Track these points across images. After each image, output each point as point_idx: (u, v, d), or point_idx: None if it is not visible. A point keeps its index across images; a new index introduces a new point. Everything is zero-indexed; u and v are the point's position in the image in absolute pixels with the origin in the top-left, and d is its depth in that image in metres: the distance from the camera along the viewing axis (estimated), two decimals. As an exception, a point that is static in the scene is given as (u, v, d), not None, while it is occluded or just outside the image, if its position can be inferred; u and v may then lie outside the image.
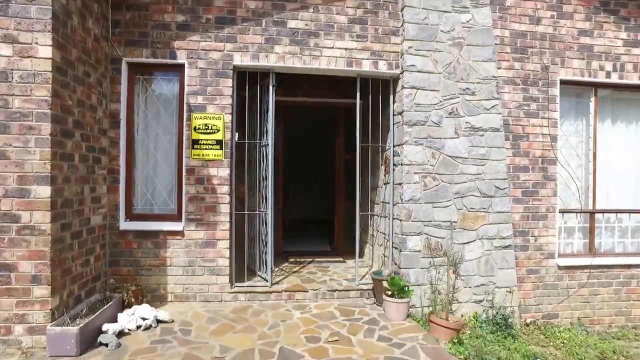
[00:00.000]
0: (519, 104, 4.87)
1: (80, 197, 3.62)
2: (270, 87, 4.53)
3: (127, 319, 3.63)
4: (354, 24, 4.58)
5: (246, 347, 3.32)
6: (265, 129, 4.68)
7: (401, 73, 4.59)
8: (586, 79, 5.03)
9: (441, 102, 4.54)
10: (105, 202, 4.16)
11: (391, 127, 4.85)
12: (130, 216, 4.36)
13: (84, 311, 3.48)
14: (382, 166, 5.23)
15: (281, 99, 5.44)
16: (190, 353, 3.19)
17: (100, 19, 3.99)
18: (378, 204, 5.44)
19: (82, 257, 3.65)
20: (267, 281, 4.64)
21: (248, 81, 4.63)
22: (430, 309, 4.29)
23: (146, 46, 4.31)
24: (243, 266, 4.88)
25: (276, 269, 5.30)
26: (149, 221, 4.36)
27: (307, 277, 5.07)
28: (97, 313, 3.42)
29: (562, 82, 5.00)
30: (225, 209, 4.37)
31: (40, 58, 3.09)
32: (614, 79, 5.07)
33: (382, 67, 4.61)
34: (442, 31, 4.59)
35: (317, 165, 9.78)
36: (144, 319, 3.69)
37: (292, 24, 4.47)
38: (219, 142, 4.32)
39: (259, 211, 4.83)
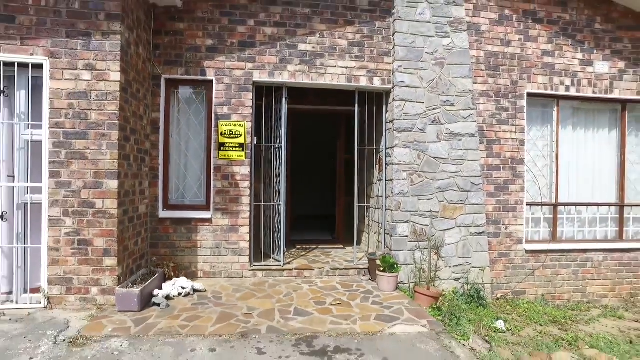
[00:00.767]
0: (492, 113, 5.78)
1: (133, 190, 4.51)
2: (284, 100, 5.44)
3: (170, 287, 4.53)
4: (353, 46, 5.49)
5: (267, 307, 4.23)
6: (278, 133, 5.59)
7: (392, 88, 5.51)
8: (549, 92, 5.95)
9: (426, 112, 5.45)
10: (148, 194, 5.05)
11: (384, 133, 5.77)
12: (167, 206, 5.25)
13: (138, 280, 4.38)
14: (377, 165, 6.14)
15: (289, 106, 6.33)
16: (225, 311, 4.09)
17: (146, 44, 4.89)
18: (373, 197, 6.35)
19: (134, 238, 4.55)
20: (279, 262, 5.55)
21: (264, 93, 5.53)
22: (416, 283, 5.20)
23: (181, 65, 5.20)
24: (259, 249, 5.79)
25: (286, 253, 6.19)
26: (182, 210, 5.26)
27: (312, 259, 5.99)
28: (149, 282, 4.31)
29: (529, 94, 5.92)
30: (246, 200, 5.28)
31: (111, 81, 3.98)
32: (572, 92, 5.99)
33: (377, 83, 5.53)
34: (426, 53, 5.50)
35: (319, 165, 10.72)
36: (183, 288, 4.59)
37: (302, 46, 5.38)
38: (241, 145, 5.22)
39: (274, 202, 5.74)
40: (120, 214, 4.10)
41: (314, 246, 6.96)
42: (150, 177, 5.11)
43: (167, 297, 4.36)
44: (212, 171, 5.23)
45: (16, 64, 3.90)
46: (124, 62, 4.09)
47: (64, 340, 3.24)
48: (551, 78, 5.94)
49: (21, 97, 4.02)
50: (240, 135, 5.21)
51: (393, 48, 5.51)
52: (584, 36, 6.01)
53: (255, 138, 5.47)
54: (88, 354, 3.05)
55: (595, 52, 6.03)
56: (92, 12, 3.96)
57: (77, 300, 3.98)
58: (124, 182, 4.20)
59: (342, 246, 7.02)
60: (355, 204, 5.94)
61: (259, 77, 5.29)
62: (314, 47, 5.40)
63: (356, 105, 5.71)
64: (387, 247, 5.56)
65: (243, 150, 5.23)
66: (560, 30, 5.97)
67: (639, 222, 6.36)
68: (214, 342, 3.33)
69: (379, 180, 6.03)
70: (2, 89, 3.93)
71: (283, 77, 5.33)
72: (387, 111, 5.73)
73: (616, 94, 6.09)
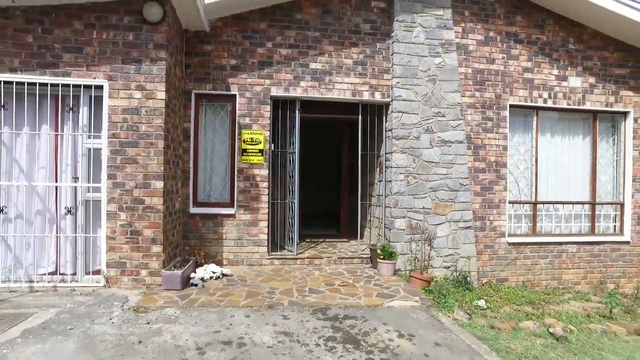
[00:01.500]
0: (478, 123, 6.62)
1: (172, 189, 5.35)
2: (297, 111, 6.28)
3: (203, 272, 5.36)
4: (357, 65, 6.33)
5: (286, 287, 5.06)
6: (292, 140, 6.43)
7: (391, 101, 6.35)
8: (529, 104, 6.78)
9: (420, 122, 6.29)
10: (181, 193, 5.89)
11: (384, 140, 6.60)
12: (197, 203, 6.09)
13: (177, 265, 5.21)
14: (377, 168, 6.98)
15: (300, 115, 7.17)
16: (251, 290, 4.92)
17: (180, 64, 5.73)
18: (374, 196, 7.19)
19: (172, 230, 5.39)
20: (293, 252, 6.39)
21: (280, 105, 6.37)
22: (411, 270, 6.03)
23: (209, 82, 6.04)
24: (274, 241, 6.63)
25: (297, 245, 7.02)
26: (209, 207, 6.10)
27: (321, 250, 6.83)
28: (186, 267, 5.15)
29: (511, 106, 6.75)
30: (265, 198, 6.12)
31: (157, 99, 4.82)
32: (550, 104, 6.83)
33: (377, 97, 6.37)
34: (421, 70, 6.34)
35: (325, 167, 11.58)
36: (214, 272, 5.42)
37: (312, 65, 6.22)
38: (261, 151, 6.06)
39: (288, 200, 6.58)
40: (164, 210, 4.94)
41: (322, 240, 7.80)
42: (182, 178, 5.94)
43: (202, 279, 5.19)
44: (236, 173, 6.07)
45: (82, 86, 4.74)
46: (167, 83, 4.93)
47: (129, 309, 4.08)
48: (531, 91, 6.77)
49: (84, 112, 4.85)
50: (260, 142, 6.05)
51: (392, 66, 6.34)
52: (559, 55, 6.85)
53: (272, 144, 6.30)
54: (151, 317, 3.89)
55: (569, 68, 6.87)
56: (143, 42, 4.80)
57: (130, 281, 4.82)
58: (167, 183, 5.04)
59: (346, 240, 7.87)
60: (359, 202, 6.79)
61: (276, 92, 6.13)
62: (323, 66, 6.24)
63: (359, 116, 6.55)
64: (387, 239, 6.39)
65: (262, 155, 6.07)
66: (539, 49, 6.80)
67: (608, 219, 7.19)
68: (247, 311, 4.17)
69: (379, 181, 6.87)
70: (71, 106, 4.78)
71: (297, 92, 6.17)
72: (386, 121, 6.56)
73: (588, 106, 6.93)
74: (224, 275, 5.51)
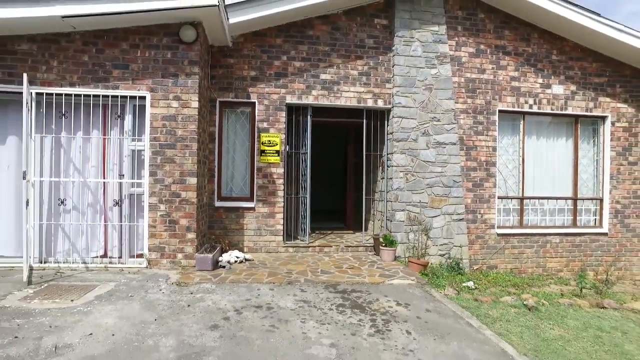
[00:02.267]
0: (470, 126, 7.41)
1: (201, 185, 6.19)
2: (309, 117, 7.11)
3: (229, 256, 6.19)
4: (362, 75, 7.14)
5: (301, 269, 5.88)
6: (304, 142, 7.26)
7: (392, 107, 7.15)
8: (516, 109, 7.57)
9: (418, 126, 7.10)
10: (207, 188, 6.72)
11: (385, 142, 7.41)
12: (220, 198, 6.92)
13: (207, 250, 6.04)
14: (380, 167, 7.78)
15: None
16: (271, 271, 5.74)
17: (207, 76, 6.56)
18: (377, 192, 7.99)
19: (201, 220, 6.22)
20: (305, 241, 7.22)
21: (294, 111, 7.19)
22: (409, 257, 6.84)
23: (231, 91, 6.87)
24: (289, 232, 7.45)
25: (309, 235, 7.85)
26: (232, 201, 6.93)
27: (329, 240, 7.65)
28: (215, 252, 5.97)
29: (500, 111, 7.54)
30: (280, 193, 6.94)
31: (192, 108, 5.66)
32: (535, 109, 7.61)
33: (380, 104, 7.18)
34: (418, 80, 7.14)
35: (333, 167, 12.41)
36: (237, 257, 6.25)
37: (323, 76, 7.04)
38: (277, 152, 6.89)
39: (301, 195, 7.40)
40: (197, 202, 5.77)
41: (330, 232, 8.63)
42: (208, 175, 6.78)
43: (228, 262, 6.02)
44: (255, 171, 6.90)
45: (128, 96, 5.59)
46: (199, 94, 5.77)
47: (172, 283, 4.91)
48: (518, 98, 7.56)
49: (129, 119, 5.70)
50: (277, 144, 6.87)
51: (393, 77, 7.15)
52: (543, 65, 7.63)
53: (287, 146, 7.13)
54: (192, 289, 4.72)
55: (552, 77, 7.65)
56: (179, 59, 5.64)
57: (168, 263, 5.66)
58: (199, 179, 5.87)
59: (352, 232, 8.69)
60: (364, 197, 7.61)
61: (290, 99, 6.96)
62: (332, 77, 7.06)
63: (364, 120, 7.36)
64: (388, 230, 7.20)
65: (278, 155, 6.90)
66: (525, 60, 7.59)
67: (589, 212, 7.97)
68: (270, 286, 5.00)
69: (381, 179, 7.68)
70: (118, 114, 5.63)
71: (308, 100, 6.99)
72: (388, 125, 7.37)
73: (570, 111, 7.71)
74: (246, 259, 6.34)
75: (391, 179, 7.11)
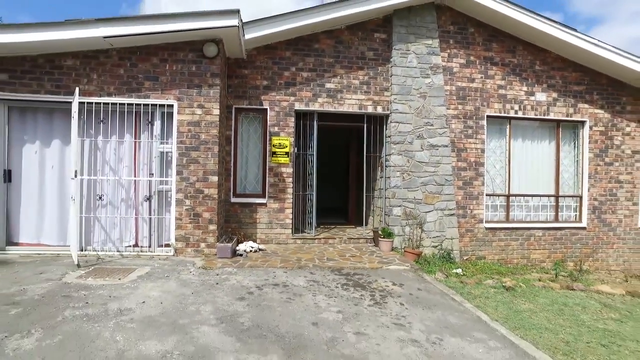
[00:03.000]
0: (461, 130, 8.18)
1: (221, 182, 6.95)
2: (315, 122, 7.89)
3: (244, 246, 6.97)
4: (363, 84, 7.92)
5: (309, 257, 6.66)
6: (311, 144, 8.04)
7: (390, 113, 7.93)
8: (503, 114, 8.35)
9: (413, 130, 7.88)
10: (224, 186, 7.50)
11: (384, 144, 8.19)
12: (236, 195, 7.71)
13: (225, 241, 6.82)
14: (379, 167, 8.57)
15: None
16: (283, 258, 6.52)
17: (225, 85, 7.34)
18: (376, 190, 8.77)
19: (220, 214, 7.00)
20: (311, 234, 8.00)
21: (302, 116, 7.97)
22: (405, 247, 7.61)
23: (246, 98, 7.65)
24: (297, 227, 8.23)
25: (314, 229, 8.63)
26: (246, 198, 7.71)
27: (333, 233, 8.43)
28: (232, 242, 6.75)
29: (488, 116, 8.32)
30: (290, 191, 7.72)
31: (214, 115, 6.44)
32: (520, 114, 8.39)
33: (379, 110, 7.96)
34: (414, 89, 7.92)
35: (336, 167, 13.19)
36: (252, 247, 7.02)
37: (327, 85, 7.82)
38: (287, 153, 7.67)
39: (308, 193, 8.19)
40: (218, 197, 6.56)
41: (333, 226, 9.41)
42: (225, 174, 7.55)
43: (245, 251, 6.80)
44: (267, 171, 7.68)
45: (157, 105, 6.38)
46: (219, 103, 6.55)
47: (199, 267, 5.69)
48: (504, 104, 8.34)
49: (158, 124, 6.48)
50: (286, 147, 7.66)
51: (391, 85, 7.93)
52: (527, 74, 8.41)
53: (296, 148, 7.91)
54: (217, 272, 5.50)
55: (536, 85, 8.43)
56: (203, 72, 6.42)
57: (192, 251, 6.44)
58: (219, 178, 6.66)
59: (353, 226, 9.47)
60: (364, 195, 8.39)
61: (299, 106, 7.74)
62: (336, 85, 7.84)
63: (365, 125, 8.15)
64: (386, 224, 7.98)
65: (288, 156, 7.68)
66: (511, 70, 8.37)
67: (569, 209, 8.75)
68: (284, 270, 5.78)
69: (380, 177, 8.46)
70: (149, 120, 6.42)
71: (315, 107, 7.77)
72: (386, 129, 8.15)
73: (552, 116, 8.49)
74: (259, 249, 7.12)
75: (389, 177, 7.89)
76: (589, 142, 8.60)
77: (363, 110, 7.93)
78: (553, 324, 4.50)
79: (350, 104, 7.89)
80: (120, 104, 6.29)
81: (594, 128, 8.62)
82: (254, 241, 7.56)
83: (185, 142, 6.41)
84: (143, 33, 5.87)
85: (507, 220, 8.49)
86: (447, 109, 8.08)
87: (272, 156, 7.67)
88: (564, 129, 8.72)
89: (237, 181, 7.74)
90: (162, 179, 6.49)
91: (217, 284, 4.94)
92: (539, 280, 6.66)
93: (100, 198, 6.40)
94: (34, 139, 6.41)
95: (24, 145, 6.38)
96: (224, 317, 3.86)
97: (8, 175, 6.29)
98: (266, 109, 7.69)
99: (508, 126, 8.49)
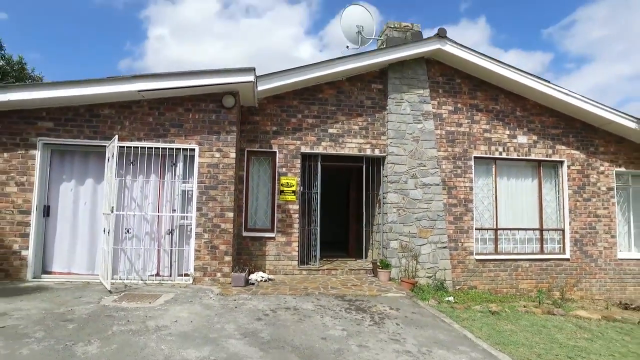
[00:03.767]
0: (450, 170, 9.03)
1: (235, 218, 7.71)
2: (319, 163, 8.75)
3: (255, 276, 7.65)
4: (362, 129, 8.84)
5: (314, 286, 7.33)
6: (315, 183, 8.86)
7: (386, 155, 8.81)
8: (489, 155, 9.23)
9: (407, 170, 8.73)
10: (236, 221, 8.25)
11: (381, 183, 9.02)
12: (247, 229, 8.45)
13: (238, 271, 7.50)
14: (377, 204, 9.36)
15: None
16: (291, 287, 7.19)
17: (239, 131, 8.23)
18: (375, 225, 9.53)
19: (234, 247, 7.72)
20: (315, 265, 8.69)
21: (307, 158, 8.83)
22: (401, 278, 8.28)
23: (257, 142, 8.53)
24: (302, 259, 8.93)
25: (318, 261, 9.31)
26: (256, 232, 8.45)
27: (335, 265, 9.11)
28: (245, 272, 7.44)
29: (475, 157, 9.20)
30: (296, 226, 8.48)
31: (230, 158, 7.29)
32: (504, 155, 9.27)
33: (377, 152, 8.84)
34: (407, 133, 8.83)
35: (337, 204, 13.99)
36: (262, 277, 7.70)
37: (330, 130, 8.73)
38: (294, 192, 8.48)
39: (312, 227, 8.93)
40: (233, 232, 7.30)
41: (335, 259, 10.10)
42: (237, 211, 8.32)
43: (256, 280, 7.48)
44: (276, 207, 8.46)
45: (181, 149, 7.23)
46: (235, 147, 7.41)
47: (217, 294, 6.37)
48: (489, 146, 9.23)
49: (180, 166, 7.32)
50: (293, 186, 8.47)
51: (387, 130, 8.85)
52: (509, 119, 9.36)
53: (301, 187, 8.73)
54: (234, 298, 6.18)
55: (517, 129, 9.36)
56: (222, 120, 7.32)
57: (209, 280, 7.12)
58: (234, 214, 7.43)
59: (354, 259, 10.16)
60: (364, 229, 9.15)
61: (304, 149, 8.61)
62: (337, 131, 8.75)
63: (364, 165, 9.02)
64: (384, 256, 8.69)
65: (295, 194, 8.48)
66: (494, 116, 9.32)
67: (553, 241, 9.48)
68: (293, 296, 6.46)
69: (378, 213, 9.23)
70: (173, 162, 7.26)
71: (319, 150, 8.65)
72: (383, 169, 9.00)
73: (533, 156, 9.38)
74: (269, 279, 7.80)
75: (386, 213, 8.66)
76: (568, 180, 9.45)
77: (362, 153, 8.81)
78: (530, 341, 5.17)
79: (350, 147, 8.77)
80: (148, 147, 7.14)
81: (572, 167, 9.50)
82: (264, 271, 8.23)
83: (205, 181, 7.23)
84: (172, 87, 6.82)
85: (496, 252, 9.20)
86: (438, 151, 8.96)
87: (280, 194, 8.47)
88: (544, 168, 9.59)
89: (248, 217, 8.50)
90: (183, 214, 7.26)
91: (235, 307, 5.63)
92: (524, 306, 7.32)
93: (127, 231, 7.15)
94: (70, 178, 7.22)
95: (61, 184, 7.18)
96: (246, 332, 4.54)
97: (47, 211, 7.05)
98: (275, 151, 8.55)
99: (494, 166, 9.35)
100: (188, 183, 7.34)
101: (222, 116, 7.35)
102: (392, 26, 9.58)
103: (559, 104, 9.19)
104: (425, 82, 9.03)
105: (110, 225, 6.48)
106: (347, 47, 10.08)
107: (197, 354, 3.82)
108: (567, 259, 9.33)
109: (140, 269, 7.18)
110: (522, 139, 9.38)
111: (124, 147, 7.05)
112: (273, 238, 8.43)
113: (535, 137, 9.43)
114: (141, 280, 7.06)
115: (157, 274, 7.24)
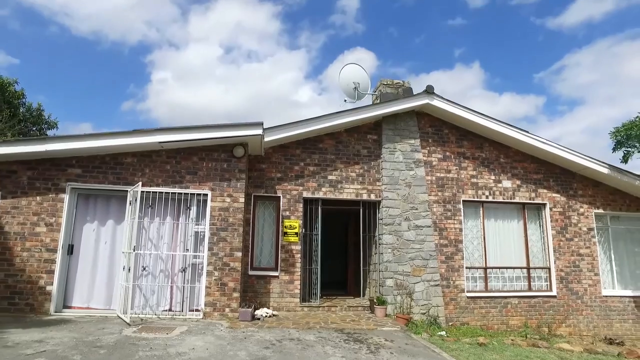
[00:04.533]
0: (441, 213, 9.77)
1: (242, 257, 8.36)
2: (319, 207, 9.51)
3: (261, 312, 8.20)
4: (359, 176, 9.66)
5: (316, 321, 7.87)
6: (316, 225, 9.57)
7: (382, 200, 9.58)
8: (476, 199, 10.00)
9: (401, 213, 9.47)
10: (243, 260, 8.89)
11: (377, 225, 9.73)
12: (252, 268, 9.07)
13: (244, 306, 8.06)
14: (373, 244, 10.03)
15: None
16: (294, 321, 7.74)
17: (246, 177, 9.04)
18: (372, 264, 10.15)
19: (240, 284, 8.32)
20: (316, 302, 9.24)
21: (308, 202, 9.59)
22: (396, 314, 8.82)
23: (262, 187, 9.32)
24: (304, 297, 9.49)
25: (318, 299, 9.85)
26: (261, 271, 9.07)
27: (335, 302, 9.66)
28: (251, 308, 8.00)
29: (464, 201, 9.96)
30: (298, 265, 9.11)
31: (239, 202, 8.05)
32: (490, 199, 10.04)
33: (372, 197, 9.62)
34: (401, 179, 9.65)
35: (336, 245, 14.61)
36: (267, 312, 8.25)
37: (329, 177, 9.54)
38: (297, 233, 9.17)
39: (313, 267, 9.56)
40: (241, 270, 7.94)
41: (334, 297, 10.63)
42: (244, 251, 8.97)
43: (262, 315, 8.03)
44: (279, 248, 9.13)
45: (195, 194, 8.01)
46: (244, 193, 8.19)
47: (227, 327, 6.93)
48: (477, 191, 10.02)
49: (194, 209, 8.06)
50: (296, 228, 9.18)
51: (381, 177, 9.67)
52: (494, 166, 10.21)
53: (303, 229, 9.43)
54: (242, 331, 6.74)
55: (502, 175, 10.20)
56: (232, 168, 8.15)
57: (218, 315, 7.68)
58: (242, 253, 8.09)
59: (352, 296, 10.70)
60: (361, 268, 9.77)
61: (306, 194, 9.40)
62: (336, 177, 9.56)
63: (361, 209, 9.77)
64: (380, 293, 9.27)
65: (297, 236, 9.18)
66: (480, 162, 10.18)
67: (540, 279, 10.08)
68: (296, 330, 7.02)
69: (374, 254, 9.89)
70: (187, 206, 8.02)
71: (319, 194, 9.44)
72: (378, 212, 9.74)
73: (517, 200, 10.15)
74: (273, 315, 8.35)
75: (382, 253, 9.32)
76: (551, 221, 10.18)
77: (359, 197, 9.59)
78: (510, 367, 5.73)
79: (348, 192, 9.56)
80: (165, 192, 7.92)
81: (554, 209, 10.25)
82: (268, 308, 8.78)
83: (216, 224, 7.95)
84: (190, 139, 7.69)
85: (486, 289, 9.77)
86: (429, 195, 9.74)
87: (284, 236, 9.16)
88: (529, 210, 10.34)
89: (254, 256, 9.15)
90: (195, 253, 7.93)
91: (245, 338, 6.20)
92: (511, 340, 7.84)
93: (144, 269, 7.80)
94: (93, 219, 7.95)
95: (85, 224, 7.89)
96: (257, 358, 5.13)
97: (71, 249, 7.72)
98: (279, 196, 9.33)
99: (481, 208, 10.10)
100: (200, 225, 8.06)
101: (232, 165, 8.18)
102: (386, 83, 10.66)
103: (539, 151, 10.09)
104: (416, 133, 9.95)
105: (130, 263, 7.14)
106: (345, 101, 11.12)
107: (216, 374, 4.42)
108: (554, 296, 9.88)
109: (154, 304, 7.76)
110: (506, 183, 10.20)
111: (144, 191, 7.81)
112: (277, 276, 9.04)
113: (518, 182, 10.24)
114: (155, 314, 7.63)
115: (170, 309, 7.81)
